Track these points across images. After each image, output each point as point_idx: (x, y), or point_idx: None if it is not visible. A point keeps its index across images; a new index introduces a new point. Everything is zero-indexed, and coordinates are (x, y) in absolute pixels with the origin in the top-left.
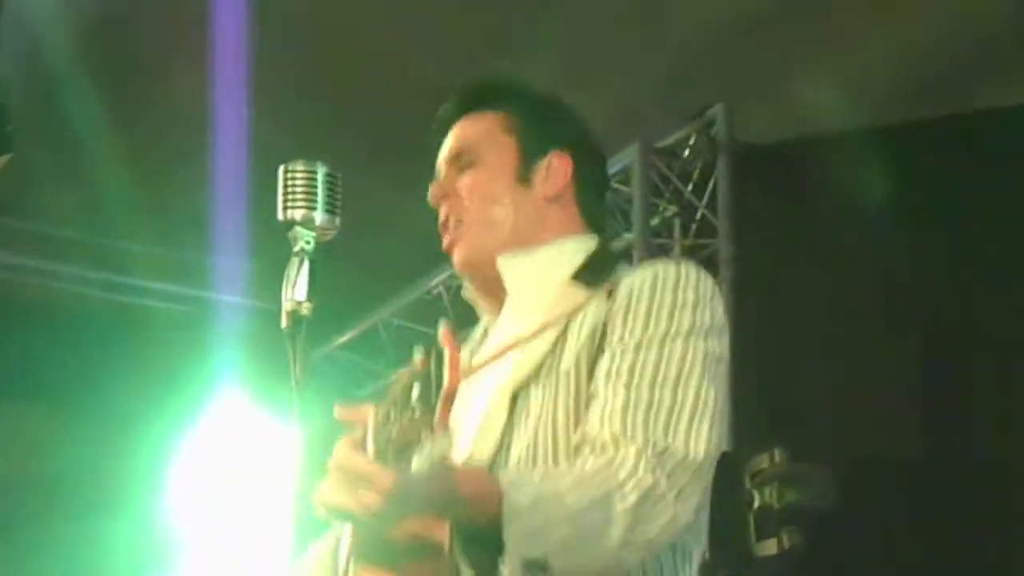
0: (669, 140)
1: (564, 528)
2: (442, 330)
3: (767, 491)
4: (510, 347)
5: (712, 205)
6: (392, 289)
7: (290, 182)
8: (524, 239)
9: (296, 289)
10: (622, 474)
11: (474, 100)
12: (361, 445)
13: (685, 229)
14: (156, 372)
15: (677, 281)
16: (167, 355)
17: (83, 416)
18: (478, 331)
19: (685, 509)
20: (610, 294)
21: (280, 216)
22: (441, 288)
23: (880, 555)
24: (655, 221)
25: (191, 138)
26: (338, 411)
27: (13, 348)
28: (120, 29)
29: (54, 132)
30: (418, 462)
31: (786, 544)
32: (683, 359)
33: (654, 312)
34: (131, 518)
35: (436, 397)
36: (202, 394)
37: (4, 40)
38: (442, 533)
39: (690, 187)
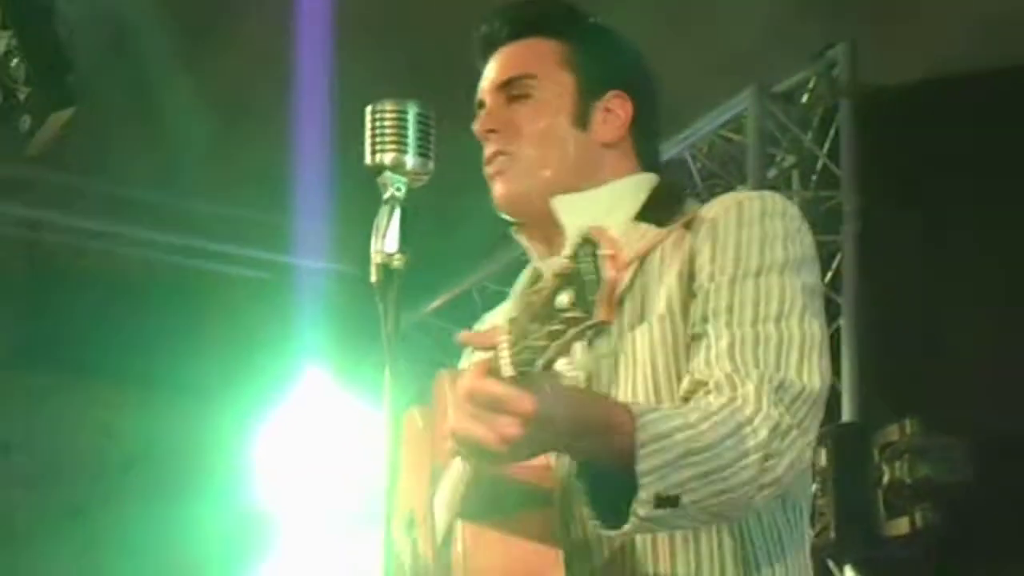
0: (786, 83)
1: (699, 461)
2: (591, 229)
3: (898, 465)
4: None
5: (834, 154)
6: (486, 249)
7: (378, 123)
8: (577, 184)
9: (386, 240)
10: (748, 409)
11: (528, 24)
12: (492, 370)
13: (805, 181)
14: (234, 343)
15: (763, 212)
16: (245, 325)
17: (156, 392)
18: (524, 277)
19: (807, 443)
20: (689, 226)
21: (368, 160)
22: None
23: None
24: (772, 173)
25: (270, 86)
26: (463, 336)
27: (79, 319)
28: None
29: (121, 81)
30: (580, 362)
31: (919, 523)
32: (782, 294)
33: (744, 245)
34: (212, 499)
35: (592, 297)
36: (284, 367)
37: None
38: (552, 478)
39: (810, 134)
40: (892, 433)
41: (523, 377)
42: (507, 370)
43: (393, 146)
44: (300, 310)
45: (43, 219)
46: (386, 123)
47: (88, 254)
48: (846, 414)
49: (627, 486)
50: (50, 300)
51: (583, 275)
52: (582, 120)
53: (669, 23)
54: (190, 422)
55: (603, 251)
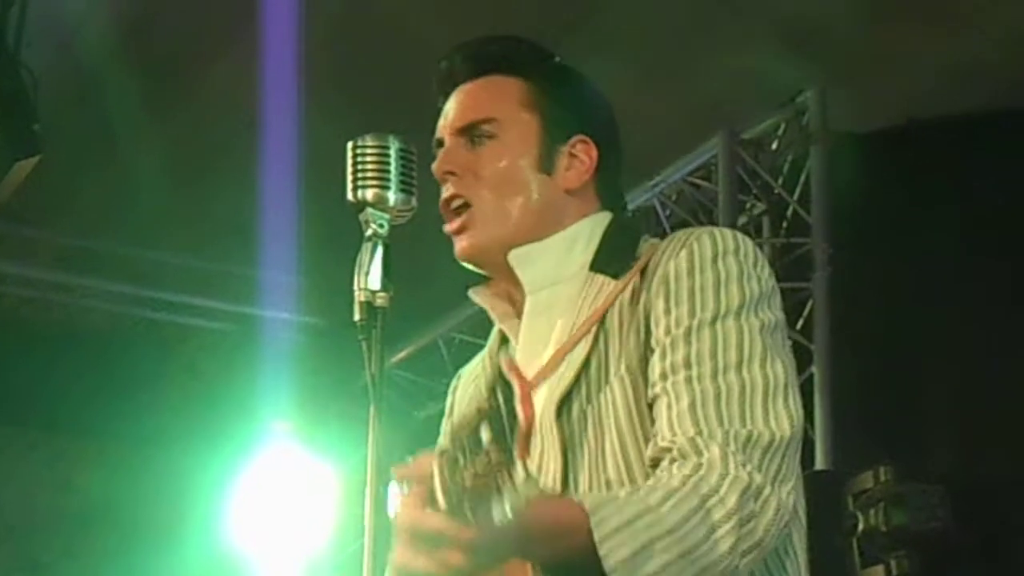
0: (756, 130)
1: (666, 545)
2: (504, 361)
3: (872, 513)
4: (555, 360)
5: (805, 201)
6: (453, 300)
7: (360, 158)
8: (539, 231)
9: (370, 278)
10: (713, 478)
11: (491, 61)
12: (428, 500)
13: (775, 227)
14: (197, 396)
15: (715, 253)
16: (209, 377)
17: (117, 445)
18: (492, 339)
19: (785, 494)
20: (643, 274)
21: (349, 196)
22: (439, 342)
23: None
24: (742, 220)
25: (235, 138)
26: (396, 472)
27: (38, 373)
28: (159, 20)
29: (85, 132)
30: (500, 510)
31: (894, 572)
32: (740, 339)
33: (697, 293)
34: (173, 553)
35: (510, 437)
36: (248, 420)
37: (34, 31)
38: None
39: (780, 181)
40: (866, 480)
41: (454, 510)
42: (440, 501)
43: (375, 182)
44: (265, 362)
45: (4, 271)
46: (368, 158)
47: (50, 306)
48: (819, 462)
49: None
50: (10, 353)
51: (499, 414)
52: (546, 164)
53: (638, 70)
54: (151, 476)
55: (515, 390)
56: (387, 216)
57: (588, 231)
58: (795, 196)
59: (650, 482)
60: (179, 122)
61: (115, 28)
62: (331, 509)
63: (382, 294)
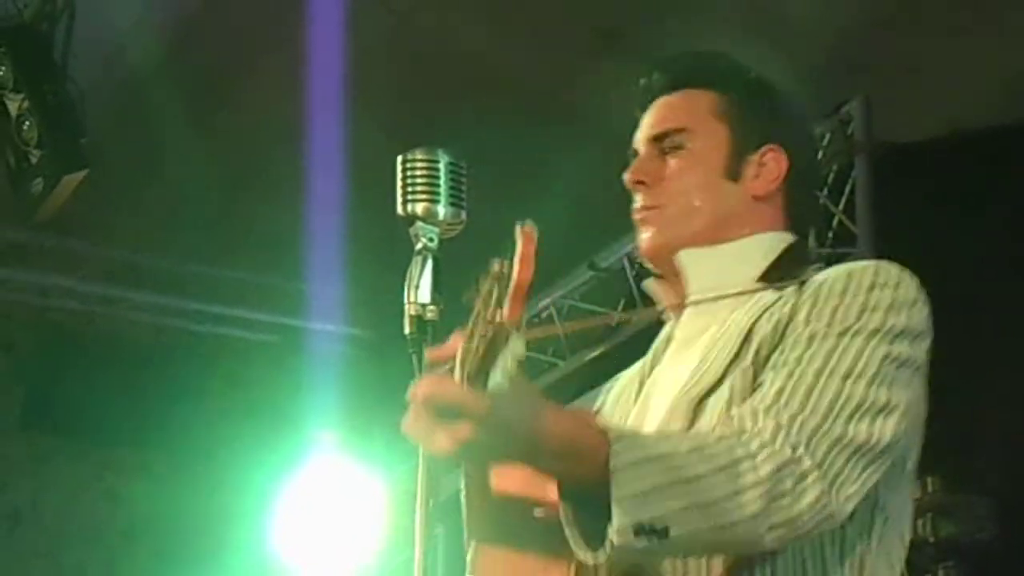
0: None
1: (680, 492)
2: (522, 227)
3: (920, 524)
4: (703, 357)
5: (850, 211)
6: None
7: (409, 173)
8: (722, 235)
9: (420, 291)
10: (754, 444)
11: (687, 75)
12: (449, 374)
13: (820, 237)
14: (242, 408)
15: (874, 283)
16: (254, 389)
17: (162, 457)
18: (660, 338)
19: (841, 495)
20: (800, 288)
21: (399, 211)
22: (551, 309)
23: None
24: None
25: (281, 149)
26: (429, 355)
27: (84, 385)
28: (205, 33)
29: (131, 145)
30: (494, 376)
31: None
32: (859, 355)
33: (842, 309)
34: (219, 565)
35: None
36: (294, 432)
37: (81, 45)
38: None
39: (825, 191)
40: (914, 491)
41: (469, 382)
42: (457, 374)
43: (425, 196)
44: (311, 374)
45: (51, 285)
46: (417, 173)
47: (96, 320)
48: None
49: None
50: (58, 366)
51: (507, 276)
52: (733, 172)
53: None
54: (197, 487)
55: (518, 250)
56: (437, 230)
57: (765, 248)
58: (841, 206)
59: (688, 432)
60: (225, 134)
61: (161, 41)
62: (378, 520)
63: (432, 308)
